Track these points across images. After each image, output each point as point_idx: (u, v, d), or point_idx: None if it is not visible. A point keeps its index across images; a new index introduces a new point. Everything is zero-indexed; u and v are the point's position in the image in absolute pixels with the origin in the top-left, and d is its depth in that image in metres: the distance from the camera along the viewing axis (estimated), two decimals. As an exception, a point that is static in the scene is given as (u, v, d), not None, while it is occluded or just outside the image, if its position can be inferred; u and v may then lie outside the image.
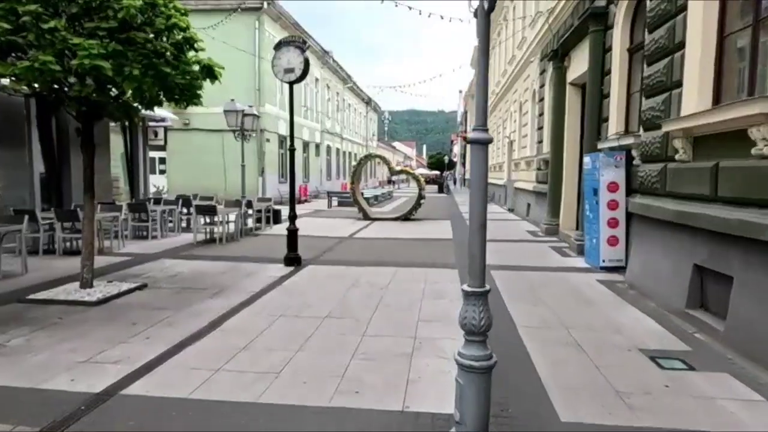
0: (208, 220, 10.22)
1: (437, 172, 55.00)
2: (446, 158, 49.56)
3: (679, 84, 5.24)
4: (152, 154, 22.15)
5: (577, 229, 11.11)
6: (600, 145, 8.21)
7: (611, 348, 4.17)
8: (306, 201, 23.95)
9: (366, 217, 15.25)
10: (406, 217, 15.09)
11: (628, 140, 7.05)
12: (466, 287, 2.32)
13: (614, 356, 3.98)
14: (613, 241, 7.28)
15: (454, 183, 43.15)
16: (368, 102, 47.71)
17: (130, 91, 5.53)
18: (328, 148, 31.82)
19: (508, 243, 10.41)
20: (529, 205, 15.81)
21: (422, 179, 15.16)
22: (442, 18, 13.22)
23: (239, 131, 12.26)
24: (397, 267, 7.61)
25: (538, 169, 14.24)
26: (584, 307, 5.47)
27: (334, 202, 21.55)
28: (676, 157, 5.15)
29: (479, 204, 2.30)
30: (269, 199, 13.09)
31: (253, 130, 12.15)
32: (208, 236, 10.37)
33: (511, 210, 18.78)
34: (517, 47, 18.70)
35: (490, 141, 2.33)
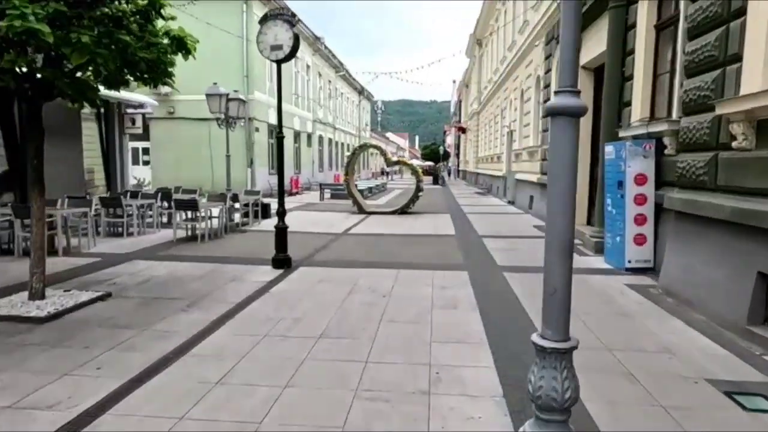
0: (189, 216, 9.34)
1: (431, 163, 54.14)
2: (441, 149, 48.55)
3: (736, 58, 4.45)
4: (135, 144, 21.15)
5: (588, 223, 10.37)
6: (622, 133, 7.43)
7: (672, 379, 3.40)
8: (297, 193, 23.05)
9: (361, 210, 14.43)
10: (404, 210, 14.29)
11: (659, 127, 6.27)
12: (539, 339, 1.52)
13: (680, 391, 3.21)
14: (640, 239, 6.52)
15: (449, 174, 42.35)
16: (361, 91, 46.64)
17: (90, 68, 4.67)
18: (320, 138, 30.85)
19: (517, 239, 9.64)
20: (532, 197, 15.04)
21: (420, 171, 14.34)
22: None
23: (224, 119, 11.29)
24: (399, 269, 6.80)
25: (544, 159, 13.46)
26: (621, 320, 4.70)
27: (327, 195, 20.68)
28: (734, 144, 4.37)
29: (564, 215, 1.50)
30: (257, 192, 12.21)
31: (240, 117, 11.21)
32: (189, 233, 9.50)
33: (511, 202, 18.03)
34: (519, 32, 17.84)
35: (583, 110, 1.52)
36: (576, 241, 9.56)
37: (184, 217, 9.55)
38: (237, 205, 11.19)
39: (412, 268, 6.89)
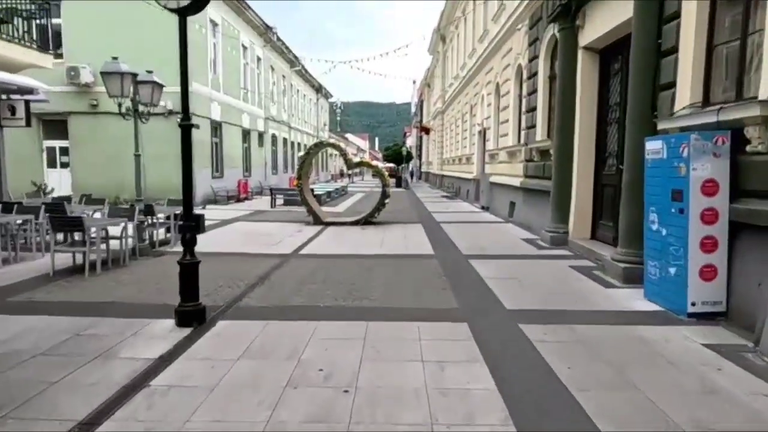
0: (74, 238, 6.85)
1: (392, 165, 52.20)
2: (404, 150, 46.65)
3: None
4: (51, 142, 18.07)
5: (592, 237, 8.54)
6: (665, 125, 5.55)
7: None
8: (246, 199, 20.48)
9: (317, 220, 12.19)
10: (367, 221, 12.15)
11: (742, 112, 4.38)
12: None
13: None
14: (708, 273, 4.63)
15: (411, 177, 40.53)
16: (318, 89, 44.20)
17: None
18: (274, 137, 28.28)
19: (512, 261, 7.67)
20: (513, 204, 13.21)
21: (386, 174, 12.24)
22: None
23: (131, 107, 8.81)
24: (369, 320, 4.64)
25: (529, 160, 11.63)
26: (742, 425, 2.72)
27: (279, 201, 18.26)
28: None
29: None
30: (178, 203, 9.66)
31: (155, 105, 8.67)
32: (76, 262, 7.00)
33: (485, 208, 16.20)
34: (492, 20, 16.05)
35: None
36: (585, 261, 7.71)
37: (63, 239, 7.04)
38: (157, 219, 8.74)
39: (386, 318, 4.74)
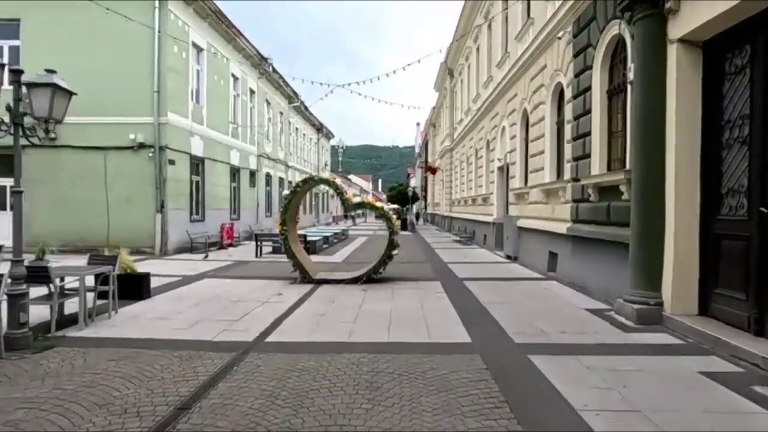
0: None
1: (396, 206, 49.77)
2: (410, 191, 44.25)
3: None
4: (2, 181, 15.60)
5: (703, 312, 5.76)
6: None
7: None
8: (231, 245, 17.78)
9: (306, 277, 9.46)
10: (370, 277, 9.42)
11: None
12: None
13: None
14: None
15: (417, 218, 37.92)
16: (320, 128, 42.35)
17: None
18: (268, 177, 25.89)
19: (597, 358, 4.82)
20: (553, 255, 10.47)
21: (395, 218, 9.56)
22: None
23: (11, 119, 6.16)
24: None
25: (580, 200, 8.96)
26: None
27: (267, 249, 15.57)
28: None
29: None
30: (112, 258, 6.91)
31: (55, 119, 6.00)
32: None
33: (512, 258, 13.43)
34: (515, 39, 13.82)
35: None
36: (716, 361, 4.88)
37: None
38: (56, 286, 6.01)
39: None
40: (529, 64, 12.51)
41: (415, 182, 72.52)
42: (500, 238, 16.46)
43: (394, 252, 9.56)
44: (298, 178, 34.26)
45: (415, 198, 47.40)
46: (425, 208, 50.33)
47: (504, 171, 15.85)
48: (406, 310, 7.07)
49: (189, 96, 16.17)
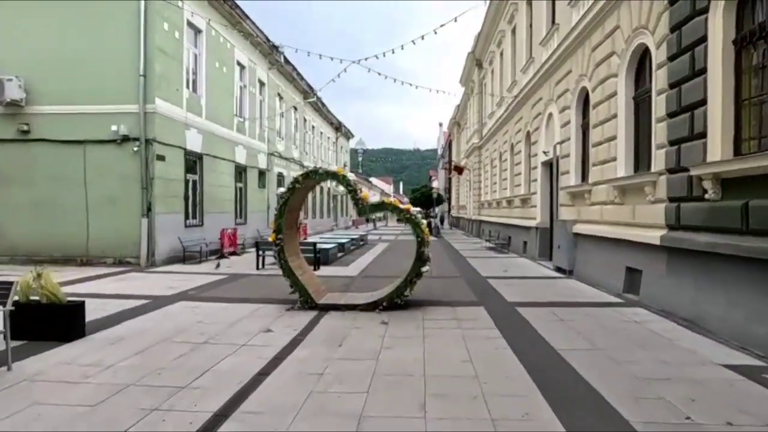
0: None
1: (418, 209, 47.26)
2: (434, 192, 41.75)
3: None
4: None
5: None
6: None
7: None
8: (234, 253, 15.62)
9: (307, 302, 7.15)
10: (392, 301, 7.06)
11: None
12: None
13: None
14: None
15: (441, 222, 35.36)
16: (338, 127, 40.22)
17: None
18: (281, 177, 23.76)
19: None
20: (635, 272, 7.93)
21: (424, 224, 7.18)
22: None
23: None
24: None
25: (688, 198, 6.44)
26: None
27: (270, 259, 13.31)
28: None
29: None
30: (6, 287, 4.70)
31: None
32: None
33: (566, 271, 10.92)
34: (569, 5, 11.31)
35: None
36: None
37: None
38: None
39: None
40: (590, 31, 10.00)
41: (437, 184, 69.90)
42: (545, 245, 13.94)
43: (424, 269, 7.18)
44: (314, 179, 32.09)
45: (439, 200, 44.89)
46: (449, 210, 47.74)
47: (551, 166, 13.31)
48: (446, 363, 4.68)
49: (184, 82, 14.09)
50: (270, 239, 7.44)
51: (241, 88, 18.74)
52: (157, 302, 7.71)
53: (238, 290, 9.08)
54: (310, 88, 28.13)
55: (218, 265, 12.46)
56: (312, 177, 7.24)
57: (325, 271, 11.94)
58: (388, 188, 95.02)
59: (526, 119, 16.13)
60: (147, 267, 12.34)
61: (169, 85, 13.23)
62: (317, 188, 32.13)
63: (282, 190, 7.38)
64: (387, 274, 10.99)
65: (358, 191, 7.20)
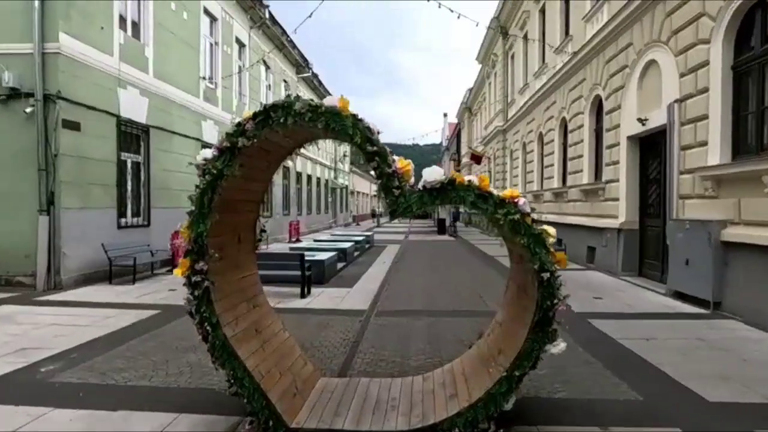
0: None
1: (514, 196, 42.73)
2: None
3: None
4: None
5: None
6: None
7: None
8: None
9: (269, 425, 2.87)
10: (477, 427, 2.80)
11: None
12: None
13: None
14: None
15: (455, 219, 31.03)
16: (337, 112, 35.74)
17: None
18: (268, 164, 19.38)
19: None
20: None
21: (551, 234, 3.01)
22: None
23: None
24: None
25: None
26: None
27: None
28: None
29: None
30: None
31: None
32: None
33: (698, 301, 6.69)
34: None
35: None
36: None
37: None
38: None
39: None
40: None
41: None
42: (631, 255, 9.79)
43: (554, 349, 2.90)
44: (310, 169, 27.67)
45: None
46: (457, 207, 43.36)
47: (650, 141, 9.05)
48: None
49: (115, 20, 9.73)
50: (176, 273, 3.15)
51: (211, 45, 14.40)
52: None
53: (151, 358, 4.78)
54: (305, 61, 23.78)
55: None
56: (275, 122, 2.93)
57: (317, 300, 7.68)
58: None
59: (593, 80, 11.81)
60: (47, 290, 8.07)
61: (86, 20, 8.88)
62: (311, 178, 27.63)
63: (199, 157, 3.09)
64: (418, 308, 6.78)
65: (390, 157, 2.91)
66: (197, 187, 3.09)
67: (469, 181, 2.97)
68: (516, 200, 2.91)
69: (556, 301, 2.86)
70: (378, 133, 3.00)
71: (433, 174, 2.91)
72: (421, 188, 2.95)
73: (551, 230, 2.95)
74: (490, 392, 2.92)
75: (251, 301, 3.58)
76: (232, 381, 3.07)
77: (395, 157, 3.03)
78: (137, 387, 3.96)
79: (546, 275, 2.82)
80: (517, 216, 2.85)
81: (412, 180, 3.04)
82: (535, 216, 2.97)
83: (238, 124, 3.04)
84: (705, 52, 7.25)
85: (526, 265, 3.00)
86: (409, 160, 3.06)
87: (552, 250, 2.92)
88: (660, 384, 4.03)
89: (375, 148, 2.88)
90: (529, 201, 3.19)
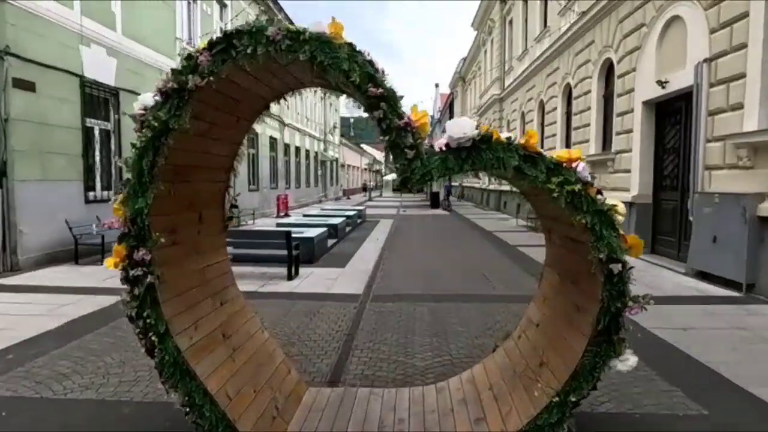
0: None
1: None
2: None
3: None
4: None
5: None
6: None
7: None
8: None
9: None
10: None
11: None
12: None
13: None
14: None
15: (449, 194, 30.22)
16: (327, 81, 34.38)
17: None
18: (252, 137, 18.33)
19: None
20: None
21: (621, 211, 2.27)
22: None
23: None
24: None
25: None
26: None
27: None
28: None
29: None
30: None
31: None
32: None
33: (726, 282, 6.05)
34: None
35: None
36: None
37: None
38: None
39: None
40: None
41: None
42: (644, 231, 9.11)
43: (622, 366, 2.15)
44: (299, 141, 26.51)
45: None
46: (450, 179, 42.59)
47: (669, 107, 8.25)
48: None
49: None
50: (106, 265, 2.33)
51: (189, 3, 13.19)
52: None
53: (105, 359, 3.97)
54: (290, 21, 22.38)
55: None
56: (241, 53, 2.08)
57: (305, 282, 6.90)
58: (381, 156, 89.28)
59: (604, 41, 10.90)
60: (1, 273, 7.20)
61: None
62: (300, 150, 26.51)
63: (147, 98, 2.27)
64: (418, 292, 6.06)
65: (400, 103, 2.10)
66: (134, 146, 2.24)
67: (509, 138, 2.16)
68: (575, 165, 2.11)
69: (628, 301, 2.09)
70: (383, 72, 2.17)
71: (461, 127, 2.08)
72: (443, 147, 2.12)
73: (621, 207, 2.16)
74: (536, 423, 2.17)
75: (218, 296, 2.78)
76: (188, 412, 2.29)
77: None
78: (79, 401, 3.17)
79: (617, 267, 2.05)
80: (577, 187, 2.05)
81: (456, 134, 2.19)
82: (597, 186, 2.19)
83: (189, 57, 2.19)
84: (743, 3, 6.40)
85: (582, 253, 2.22)
86: (425, 109, 2.23)
87: (622, 232, 2.14)
88: (721, 391, 3.34)
89: (380, 91, 2.04)
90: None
